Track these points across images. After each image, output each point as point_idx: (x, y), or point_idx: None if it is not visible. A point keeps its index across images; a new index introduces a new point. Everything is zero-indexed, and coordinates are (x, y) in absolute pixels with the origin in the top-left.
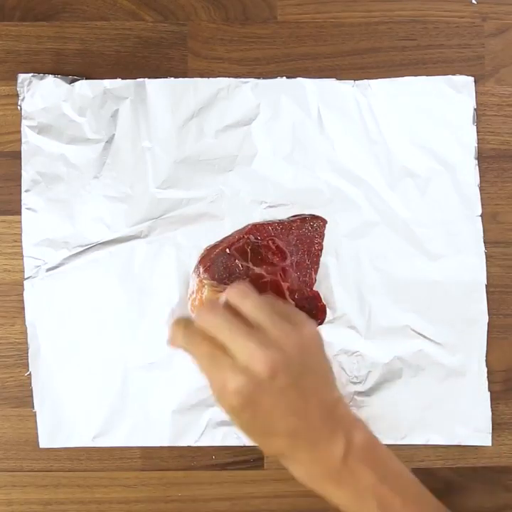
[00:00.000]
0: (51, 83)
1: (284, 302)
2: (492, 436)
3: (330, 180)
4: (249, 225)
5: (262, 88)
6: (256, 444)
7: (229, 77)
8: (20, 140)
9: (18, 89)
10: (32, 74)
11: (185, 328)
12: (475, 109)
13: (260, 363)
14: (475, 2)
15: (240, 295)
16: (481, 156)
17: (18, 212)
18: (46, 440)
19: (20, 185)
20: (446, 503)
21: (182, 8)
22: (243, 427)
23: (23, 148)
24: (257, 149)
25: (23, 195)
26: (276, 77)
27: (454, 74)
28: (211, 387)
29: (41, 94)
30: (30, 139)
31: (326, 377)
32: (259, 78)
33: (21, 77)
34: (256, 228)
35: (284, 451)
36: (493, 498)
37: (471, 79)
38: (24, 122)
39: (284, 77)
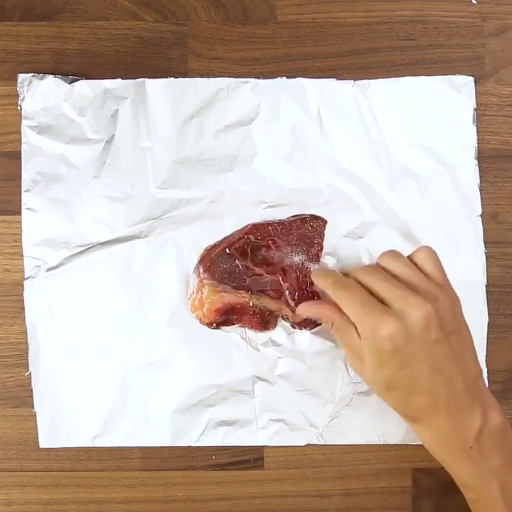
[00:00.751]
0: (51, 83)
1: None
2: None
3: (330, 180)
4: (249, 225)
5: (262, 88)
6: (395, 405)
7: (229, 77)
8: (20, 140)
9: (18, 89)
10: (32, 74)
11: (337, 277)
12: (475, 109)
13: (417, 310)
14: (475, 2)
15: (392, 256)
16: (481, 156)
17: (18, 212)
18: (46, 440)
19: (20, 185)
20: (447, 504)
21: (182, 8)
22: (388, 379)
23: (23, 148)
24: (257, 149)
25: (23, 195)
26: (276, 77)
27: (454, 74)
28: (362, 333)
29: (41, 94)
30: (30, 139)
31: (472, 345)
32: (259, 78)
33: (21, 77)
34: (256, 228)
35: (423, 412)
36: None
37: (471, 79)
38: (24, 122)
39: (284, 77)
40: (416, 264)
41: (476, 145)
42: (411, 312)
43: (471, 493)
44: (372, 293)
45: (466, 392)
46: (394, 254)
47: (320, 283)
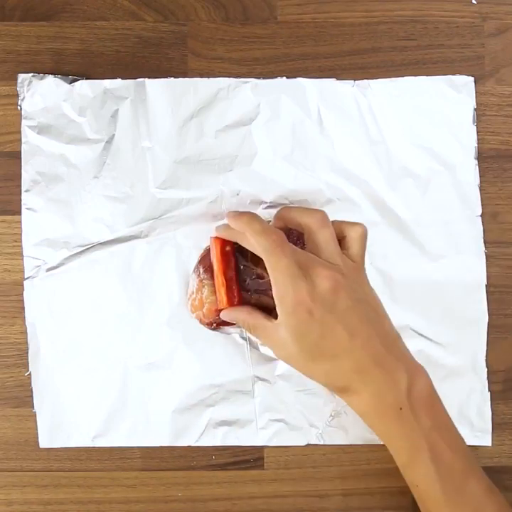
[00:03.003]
0: (51, 83)
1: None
2: (492, 436)
3: (330, 180)
4: None
5: (262, 88)
6: (323, 378)
7: (229, 77)
8: (20, 140)
9: (18, 89)
10: (32, 74)
11: (263, 225)
12: (475, 109)
13: (325, 279)
14: (475, 2)
15: (322, 222)
16: (481, 156)
17: (18, 212)
18: (46, 440)
19: (20, 185)
20: None
21: (182, 8)
22: (310, 349)
23: (23, 148)
24: (257, 149)
25: (23, 195)
26: (276, 77)
27: (454, 74)
28: (278, 292)
29: (41, 94)
30: (30, 139)
31: (385, 314)
32: (259, 78)
33: (21, 77)
34: None
35: (350, 379)
36: None
37: (471, 79)
38: (24, 122)
39: (284, 77)
40: (344, 237)
41: (476, 145)
42: (320, 281)
43: (402, 456)
44: None
45: (388, 353)
46: (325, 221)
47: (239, 225)
